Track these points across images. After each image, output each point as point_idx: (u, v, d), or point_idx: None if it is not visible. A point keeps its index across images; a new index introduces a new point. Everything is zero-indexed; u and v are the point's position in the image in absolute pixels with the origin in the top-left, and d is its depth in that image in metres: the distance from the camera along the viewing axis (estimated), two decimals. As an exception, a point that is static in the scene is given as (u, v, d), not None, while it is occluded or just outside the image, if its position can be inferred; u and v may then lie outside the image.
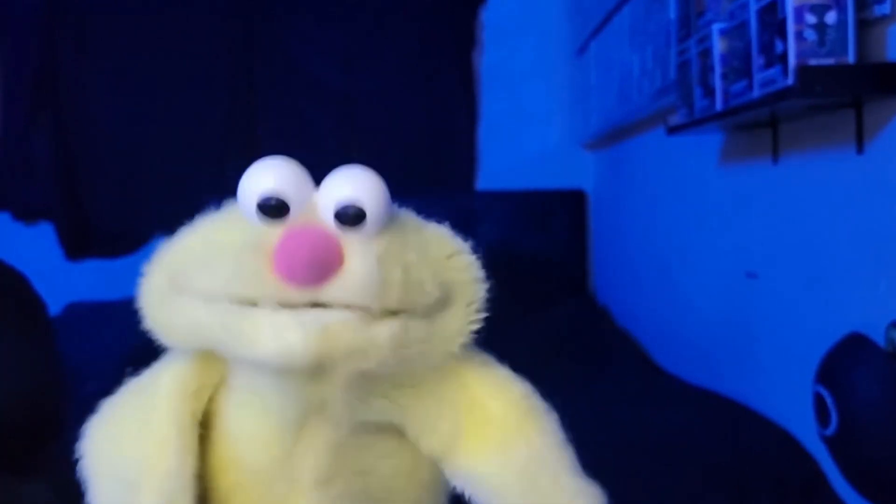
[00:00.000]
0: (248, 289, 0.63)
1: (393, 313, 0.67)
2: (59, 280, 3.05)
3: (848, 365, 1.32)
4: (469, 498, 0.76)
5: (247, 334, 0.63)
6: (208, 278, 0.65)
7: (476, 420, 0.75)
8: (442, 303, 0.71)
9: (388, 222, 0.69)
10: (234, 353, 0.66)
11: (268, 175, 0.66)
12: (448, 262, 0.73)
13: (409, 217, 0.74)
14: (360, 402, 0.71)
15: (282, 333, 0.62)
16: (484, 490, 0.74)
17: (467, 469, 0.75)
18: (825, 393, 1.34)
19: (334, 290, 0.63)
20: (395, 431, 0.75)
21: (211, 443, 0.74)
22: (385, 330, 0.65)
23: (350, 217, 0.65)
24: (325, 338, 0.62)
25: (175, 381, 0.74)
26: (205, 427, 0.74)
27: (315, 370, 0.64)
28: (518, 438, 0.74)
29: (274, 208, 0.65)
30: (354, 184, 0.67)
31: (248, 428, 0.73)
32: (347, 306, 0.64)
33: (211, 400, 0.75)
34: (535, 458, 0.75)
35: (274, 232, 0.64)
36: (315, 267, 0.63)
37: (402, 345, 0.67)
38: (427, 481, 0.79)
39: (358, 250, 0.65)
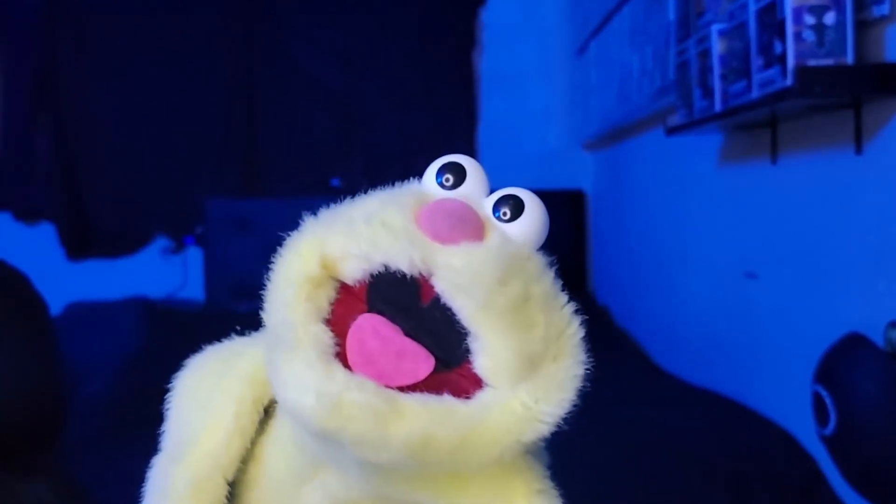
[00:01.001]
0: (388, 221, 0.63)
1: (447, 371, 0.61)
2: (60, 280, 3.05)
3: (847, 365, 1.32)
4: None
5: (280, 371, 0.61)
6: (365, 235, 0.63)
7: None
8: (525, 375, 0.62)
9: (536, 258, 0.66)
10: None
11: (462, 156, 0.69)
12: (562, 332, 0.65)
13: (555, 281, 0.68)
14: (377, 478, 0.66)
15: (300, 391, 0.59)
16: None
17: None
18: (824, 393, 1.34)
19: (455, 255, 0.60)
20: None
21: (261, 431, 0.74)
22: (402, 433, 0.59)
23: (506, 205, 0.65)
24: (334, 415, 0.58)
25: (251, 363, 0.72)
26: (267, 414, 0.73)
27: (325, 438, 0.60)
28: None
29: (453, 170, 0.67)
30: (523, 191, 0.67)
31: (282, 437, 0.72)
32: (454, 287, 0.60)
33: None
34: None
35: (438, 196, 0.66)
36: (453, 219, 0.62)
37: (422, 453, 0.59)
38: None
39: (498, 235, 0.64)
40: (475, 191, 0.67)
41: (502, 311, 0.60)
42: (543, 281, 0.66)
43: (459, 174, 0.67)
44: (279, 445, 0.72)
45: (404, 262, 0.60)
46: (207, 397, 0.73)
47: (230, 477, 0.72)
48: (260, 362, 0.72)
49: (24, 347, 1.06)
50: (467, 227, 0.62)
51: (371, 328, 0.62)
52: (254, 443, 0.73)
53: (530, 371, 0.62)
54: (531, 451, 0.68)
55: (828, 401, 1.33)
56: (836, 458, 1.35)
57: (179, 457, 0.72)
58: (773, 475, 1.46)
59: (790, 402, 1.54)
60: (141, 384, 2.10)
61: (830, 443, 1.36)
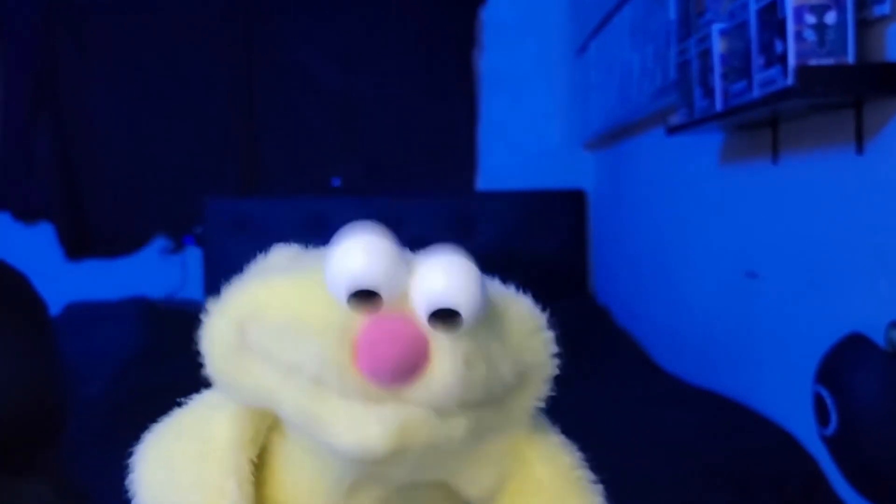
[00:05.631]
0: (328, 377, 0.61)
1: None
2: (59, 280, 3.05)
3: (848, 365, 1.32)
4: None
5: (323, 420, 0.62)
6: (288, 352, 0.63)
7: (522, 483, 0.74)
8: (517, 386, 0.70)
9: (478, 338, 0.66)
10: (304, 433, 0.65)
11: (362, 257, 0.61)
12: (527, 343, 0.71)
13: (491, 289, 0.70)
14: (416, 472, 0.71)
15: (360, 427, 0.61)
16: None
17: None
18: (825, 393, 1.34)
19: (417, 391, 0.62)
20: (441, 484, 0.75)
21: (261, 483, 0.73)
22: (461, 425, 0.65)
23: (445, 321, 0.62)
24: (403, 434, 0.62)
25: (232, 427, 0.70)
26: (256, 468, 0.73)
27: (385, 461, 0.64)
28: None
29: (364, 301, 0.61)
30: (452, 281, 0.62)
31: (300, 480, 0.72)
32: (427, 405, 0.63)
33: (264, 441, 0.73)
34: None
35: (361, 318, 0.61)
36: (400, 369, 0.61)
37: (476, 437, 0.67)
38: None
39: (446, 351, 0.62)
40: (394, 289, 0.62)
41: (480, 392, 0.65)
42: (492, 328, 0.67)
43: (374, 294, 0.61)
44: (304, 491, 0.72)
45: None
46: (195, 479, 0.70)
47: None
48: (240, 420, 0.70)
49: (24, 347, 1.05)
50: (417, 367, 0.61)
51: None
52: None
53: (519, 385, 0.70)
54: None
55: (829, 401, 1.33)
56: (836, 459, 1.35)
57: None
58: (773, 475, 1.46)
59: (791, 403, 1.54)
60: (141, 384, 2.09)
61: (831, 443, 1.36)
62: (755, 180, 1.72)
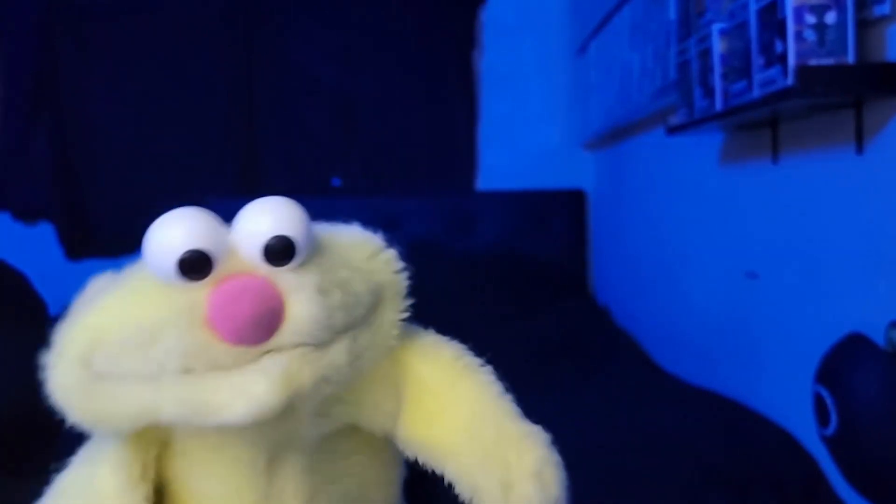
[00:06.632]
0: (195, 360, 0.59)
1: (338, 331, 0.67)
2: (59, 280, 3.04)
3: (848, 365, 1.32)
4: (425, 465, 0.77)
5: (209, 403, 0.60)
6: (145, 360, 0.61)
7: (412, 389, 0.76)
8: (376, 304, 0.72)
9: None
10: (195, 424, 0.63)
11: (178, 230, 0.60)
12: (372, 264, 0.73)
13: (320, 228, 0.72)
14: (322, 419, 0.71)
15: (246, 390, 0.59)
16: (435, 454, 0.74)
17: (415, 437, 0.75)
18: (825, 393, 1.34)
19: (285, 335, 0.61)
20: (352, 426, 0.76)
21: None
22: (341, 350, 0.65)
23: (279, 252, 0.62)
24: (289, 378, 0.60)
25: (118, 472, 0.69)
26: (162, 498, 0.72)
27: (284, 411, 0.62)
28: (455, 399, 0.75)
29: (196, 264, 0.60)
30: (274, 215, 0.63)
31: (215, 486, 0.71)
32: (299, 345, 0.63)
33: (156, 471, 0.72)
34: (476, 414, 0.74)
35: (201, 292, 0.60)
36: (258, 322, 0.59)
37: (356, 357, 0.67)
38: (389, 458, 0.81)
39: (296, 289, 0.62)
40: (221, 249, 0.62)
41: (342, 318, 0.66)
42: (334, 258, 0.69)
43: (205, 258, 0.61)
44: (222, 496, 0.72)
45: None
46: None
47: None
48: (124, 461, 0.69)
49: (24, 347, 1.05)
50: (277, 315, 0.61)
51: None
52: None
53: (377, 303, 0.72)
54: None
55: (829, 401, 1.33)
56: (837, 459, 1.35)
57: None
58: (773, 476, 1.46)
59: (791, 403, 1.54)
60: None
61: (831, 443, 1.36)
62: (755, 180, 1.72)
